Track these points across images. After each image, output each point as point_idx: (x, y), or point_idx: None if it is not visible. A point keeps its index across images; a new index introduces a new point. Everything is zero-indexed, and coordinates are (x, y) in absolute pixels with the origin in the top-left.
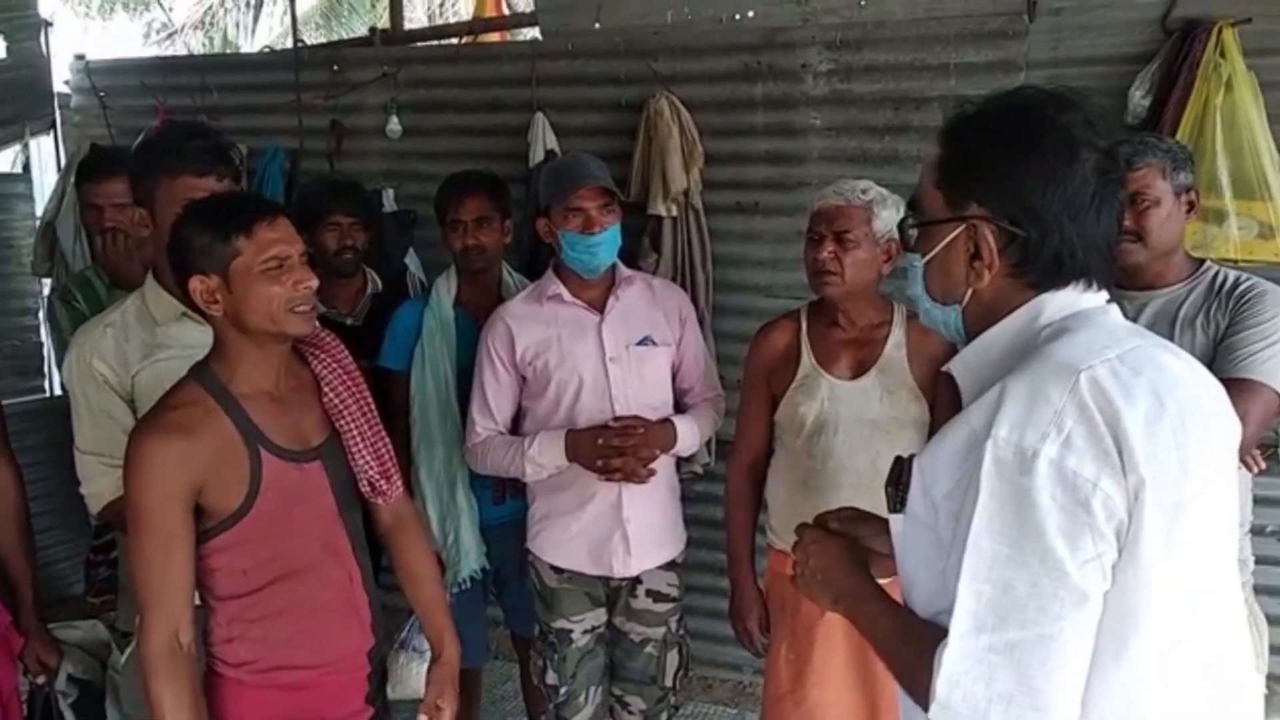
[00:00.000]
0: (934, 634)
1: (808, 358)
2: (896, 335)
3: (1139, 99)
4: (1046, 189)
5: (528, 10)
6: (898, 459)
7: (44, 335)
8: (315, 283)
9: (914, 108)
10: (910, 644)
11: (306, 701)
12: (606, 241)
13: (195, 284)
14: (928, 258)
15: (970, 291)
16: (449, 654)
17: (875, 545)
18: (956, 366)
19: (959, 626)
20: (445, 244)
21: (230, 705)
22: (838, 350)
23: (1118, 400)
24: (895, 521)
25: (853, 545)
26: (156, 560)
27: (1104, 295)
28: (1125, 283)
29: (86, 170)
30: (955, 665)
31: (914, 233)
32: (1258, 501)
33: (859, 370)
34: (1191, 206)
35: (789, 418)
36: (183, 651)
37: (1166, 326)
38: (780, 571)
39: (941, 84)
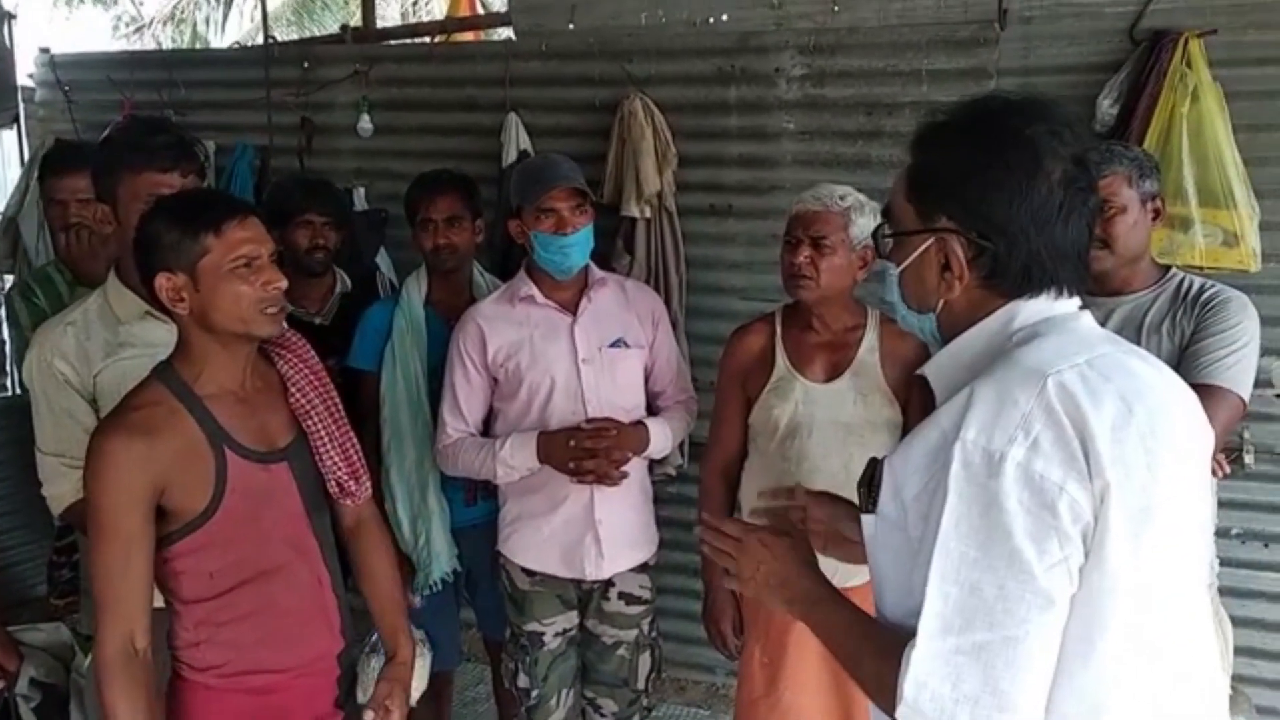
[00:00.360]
0: (894, 637)
1: (782, 360)
2: (870, 339)
3: (1107, 107)
4: (1012, 202)
5: (502, 10)
6: (871, 460)
7: (3, 333)
8: (284, 284)
9: (886, 113)
10: (870, 646)
11: (275, 704)
12: (579, 242)
13: (162, 281)
14: (902, 267)
15: (943, 301)
16: (403, 654)
17: (848, 531)
18: (930, 370)
19: (927, 628)
20: (416, 243)
21: (198, 709)
22: (812, 353)
23: (1085, 404)
24: (867, 522)
25: (801, 544)
26: (115, 564)
27: (1076, 302)
28: (1092, 289)
29: (50, 164)
30: (922, 666)
31: (889, 241)
32: (1222, 505)
33: (833, 373)
34: (1157, 214)
35: (763, 420)
36: (138, 657)
37: (1133, 332)
38: None
39: (914, 90)
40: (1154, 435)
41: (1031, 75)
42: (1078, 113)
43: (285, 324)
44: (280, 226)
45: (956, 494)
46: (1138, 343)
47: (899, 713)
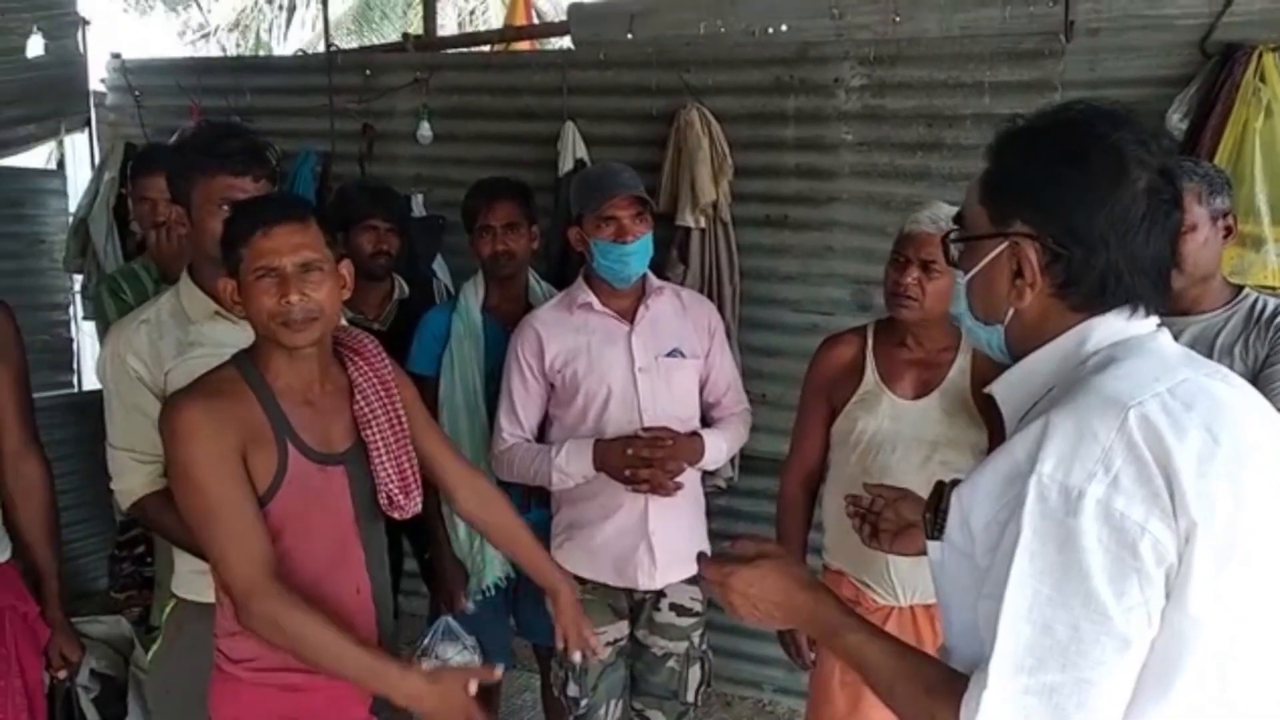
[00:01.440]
0: (942, 672)
1: (871, 374)
2: (962, 361)
3: (1176, 122)
4: (1092, 208)
5: (560, 20)
6: (938, 484)
7: (74, 330)
8: (297, 299)
9: (946, 125)
10: (916, 684)
11: (305, 704)
12: (639, 250)
13: (223, 283)
14: (970, 274)
15: (1012, 311)
16: (565, 593)
17: (917, 521)
18: (999, 389)
19: (998, 667)
20: (473, 249)
21: (228, 702)
22: (902, 369)
23: (1169, 439)
24: (933, 549)
25: (783, 565)
26: (225, 510)
27: (1153, 321)
28: (1161, 308)
29: (141, 164)
30: (993, 707)
31: (957, 249)
32: None
33: (922, 391)
34: (1229, 232)
35: (845, 432)
36: (290, 592)
37: (1204, 354)
38: (835, 592)
39: (975, 102)
40: (1241, 466)
41: (1098, 88)
42: (1159, 127)
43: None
44: (345, 230)
45: (1031, 530)
46: None
47: None
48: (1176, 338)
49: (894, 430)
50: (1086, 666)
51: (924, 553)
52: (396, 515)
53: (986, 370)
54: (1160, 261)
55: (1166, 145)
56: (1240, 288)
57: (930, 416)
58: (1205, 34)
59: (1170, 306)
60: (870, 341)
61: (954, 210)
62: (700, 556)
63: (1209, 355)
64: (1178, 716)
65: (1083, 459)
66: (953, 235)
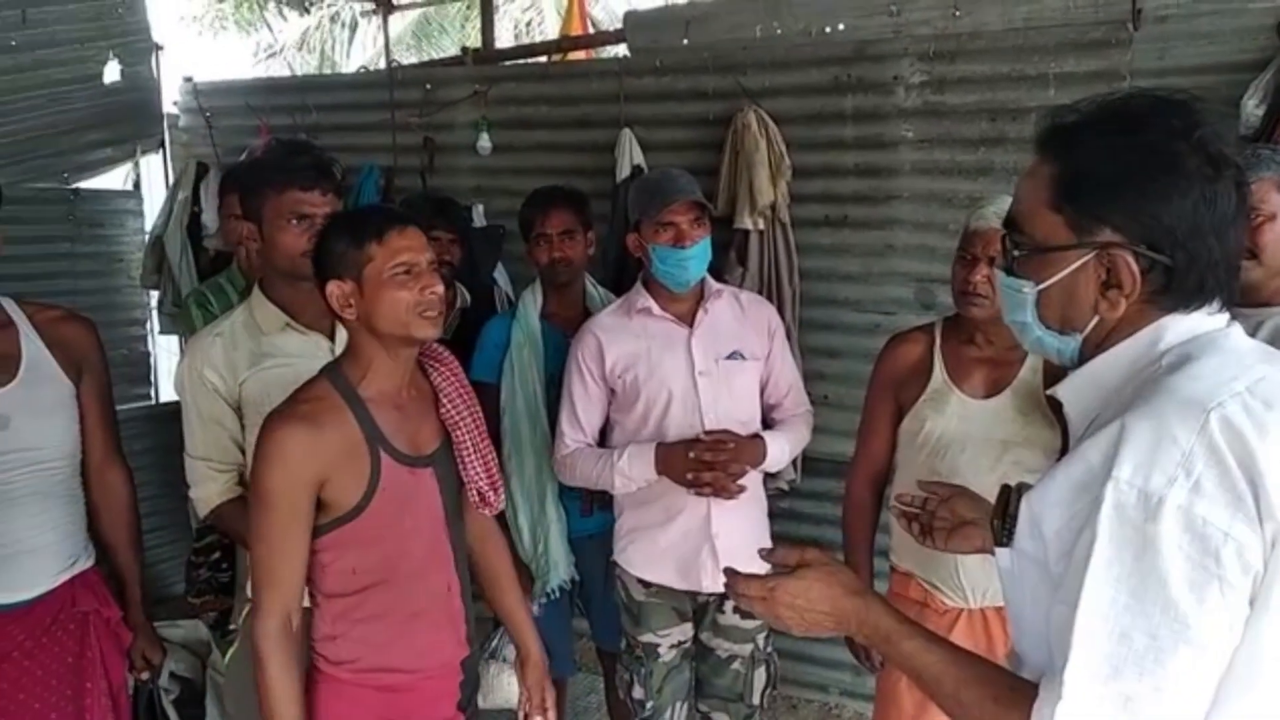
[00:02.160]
0: (1009, 681)
1: (940, 372)
2: (1034, 359)
3: (1252, 108)
4: (1196, 211)
5: (615, 28)
6: (1004, 488)
7: (150, 345)
8: (440, 288)
9: (1010, 119)
10: (982, 691)
11: (401, 704)
12: (697, 255)
13: (333, 288)
14: (1046, 284)
15: (1097, 319)
16: (535, 654)
17: (975, 519)
18: (1065, 392)
19: (1074, 677)
20: (531, 258)
21: (329, 702)
22: (971, 368)
23: (1252, 441)
24: (1002, 555)
25: (828, 574)
26: (278, 544)
27: (1224, 316)
28: (1240, 300)
29: (227, 182)
30: (1068, 716)
31: (1017, 255)
32: None
33: (992, 390)
34: None
35: (913, 431)
36: (293, 634)
37: None
38: (902, 595)
39: (1040, 94)
40: None
41: (1168, 76)
42: (1227, 113)
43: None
44: None
45: (1107, 536)
46: None
47: None
48: (1256, 330)
49: (963, 430)
50: (1164, 676)
51: (982, 550)
52: (487, 512)
53: (1060, 368)
54: (1240, 253)
55: (1232, 130)
56: None
57: (1002, 416)
58: None
59: (1248, 299)
60: (938, 340)
61: None
62: (730, 573)
63: None
64: (1257, 713)
65: (1162, 464)
66: (1022, 248)
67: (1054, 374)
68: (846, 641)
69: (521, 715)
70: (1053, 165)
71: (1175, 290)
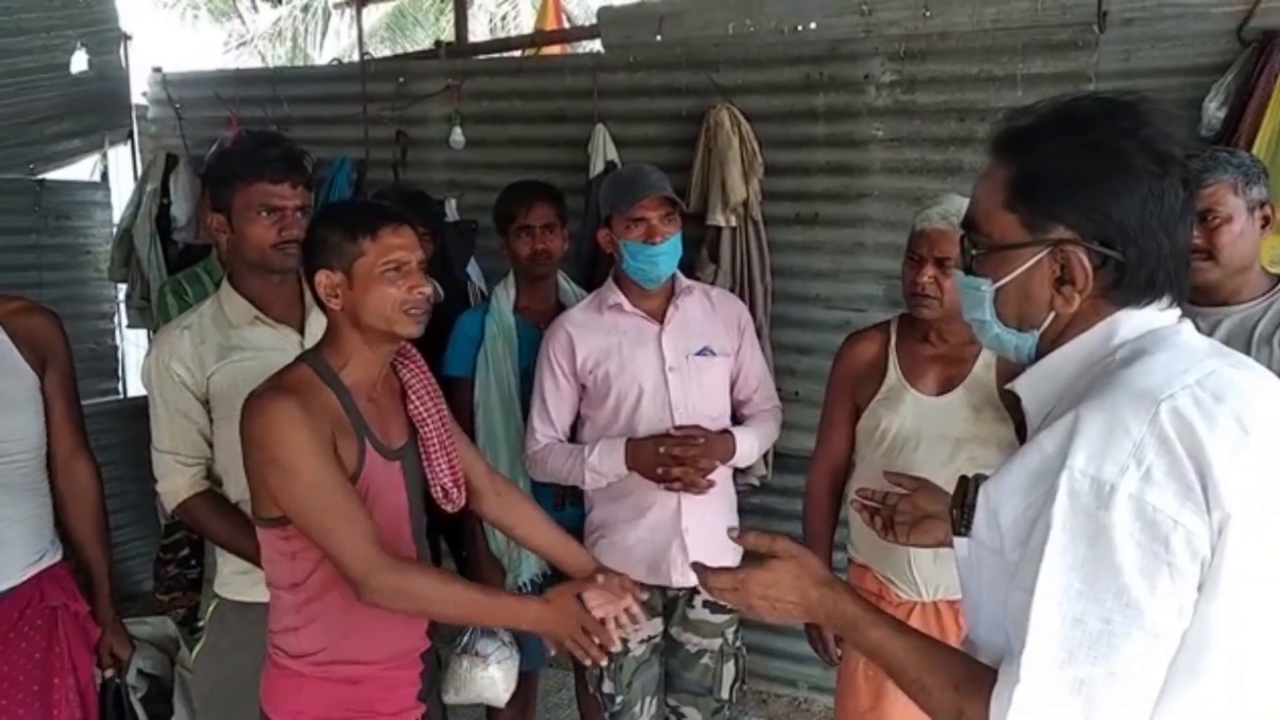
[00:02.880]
0: (970, 668)
1: (894, 371)
2: (986, 355)
3: (1214, 110)
4: (1145, 207)
5: (590, 23)
6: (962, 479)
7: (118, 338)
8: (428, 289)
9: (979, 119)
10: (943, 677)
11: (361, 695)
12: (668, 251)
13: (321, 277)
14: (1002, 282)
15: (1053, 315)
16: (586, 560)
17: (936, 512)
18: (1022, 386)
19: (1030, 661)
20: (509, 251)
21: (289, 695)
22: (925, 366)
23: (1200, 431)
24: (960, 545)
25: (799, 563)
26: (328, 489)
27: (1177, 312)
28: (1199, 300)
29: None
30: (1027, 701)
31: (975, 255)
32: None
33: (946, 386)
34: (1266, 221)
35: (870, 429)
36: (395, 558)
37: (1242, 344)
38: (860, 586)
39: (1008, 95)
40: (1268, 456)
41: (1133, 78)
42: (1182, 116)
43: None
44: None
45: (1061, 524)
46: (1247, 354)
47: None
48: (1214, 328)
49: (918, 427)
50: (1118, 660)
51: (943, 544)
52: (449, 508)
53: (1011, 364)
54: (1188, 250)
55: (1182, 129)
56: (1279, 278)
57: (955, 413)
58: (1242, 21)
59: (1207, 298)
60: (893, 338)
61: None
62: (698, 568)
63: (1247, 345)
64: (1201, 704)
65: (1114, 453)
66: (979, 247)
67: (1007, 371)
68: (807, 633)
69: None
70: (1007, 167)
71: (1127, 285)
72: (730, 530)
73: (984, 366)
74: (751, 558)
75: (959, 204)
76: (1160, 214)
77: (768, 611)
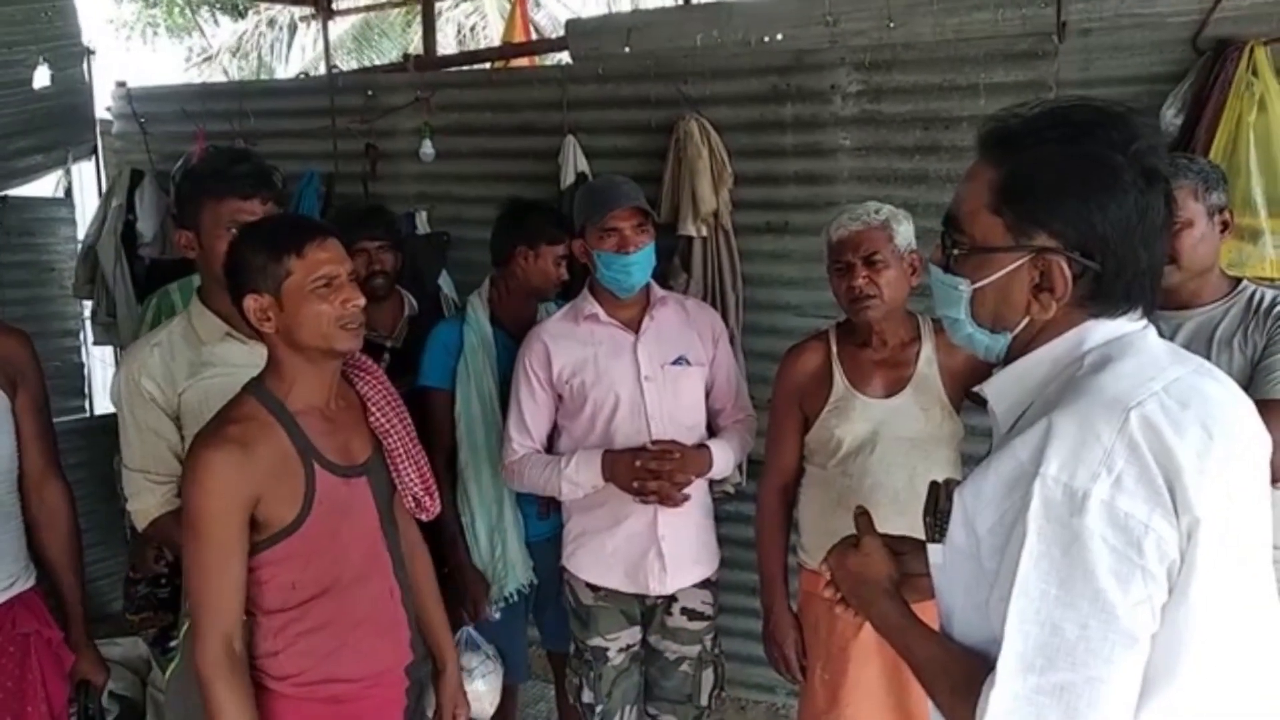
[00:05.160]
0: (968, 672)
1: (840, 380)
2: (927, 351)
3: (1171, 118)
4: (1129, 221)
5: (558, 35)
6: (933, 485)
7: (84, 356)
8: (362, 301)
9: (943, 128)
10: (946, 681)
11: (348, 714)
12: (641, 261)
13: (250, 302)
14: (981, 284)
15: (1028, 320)
16: (451, 668)
17: (911, 565)
18: (990, 390)
19: (1006, 667)
20: (536, 269)
21: (277, 717)
22: (870, 370)
23: (1169, 438)
24: (934, 551)
25: (877, 563)
26: (214, 569)
27: (1143, 320)
28: (1161, 303)
29: None
30: (1002, 706)
31: (956, 254)
32: None
33: (893, 389)
34: (1226, 226)
35: (823, 440)
36: (237, 657)
37: (1203, 346)
38: (812, 592)
39: (971, 104)
40: (1231, 461)
41: (1092, 87)
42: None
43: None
44: None
45: (1036, 531)
46: (1208, 357)
47: None
48: (1176, 331)
49: (870, 432)
50: (1096, 664)
51: (926, 599)
52: (423, 517)
53: (951, 356)
54: (1164, 261)
55: (1162, 144)
56: (1238, 280)
57: (905, 414)
58: (1197, 31)
59: (1169, 301)
60: (834, 347)
61: (870, 204)
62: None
63: (1207, 347)
64: (1180, 703)
65: (1086, 460)
66: (960, 246)
67: (952, 368)
68: (765, 648)
69: None
70: (995, 169)
71: (1103, 296)
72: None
73: (926, 363)
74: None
75: (862, 207)
76: (1143, 229)
77: (850, 584)
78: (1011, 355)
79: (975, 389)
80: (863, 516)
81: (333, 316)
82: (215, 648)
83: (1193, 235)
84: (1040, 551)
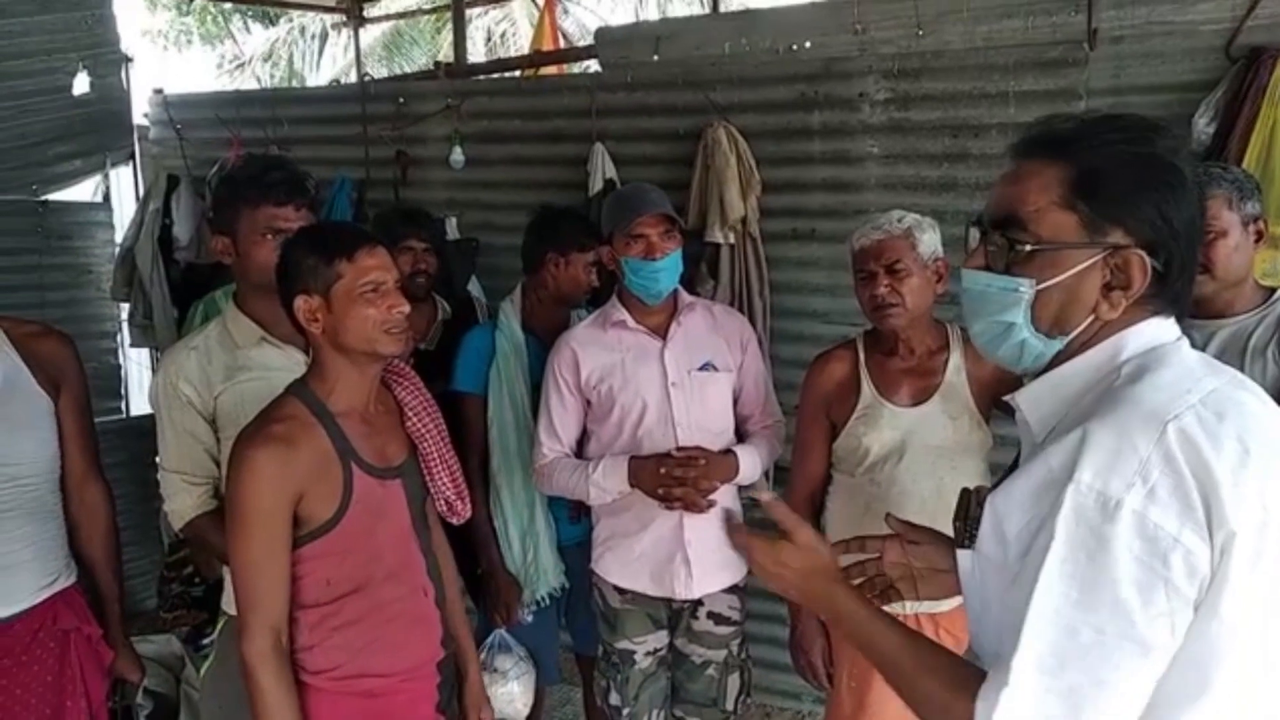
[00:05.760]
0: (963, 669)
1: (868, 388)
2: (955, 359)
3: (1203, 126)
4: (1192, 219)
5: (586, 44)
6: (964, 491)
7: (121, 358)
8: (407, 308)
9: (972, 135)
10: (937, 679)
11: (381, 708)
12: (668, 267)
13: (299, 302)
14: (1046, 284)
15: (1091, 319)
16: (474, 676)
17: (932, 558)
18: (1024, 400)
19: (1021, 666)
20: (567, 275)
21: (311, 712)
22: (898, 379)
23: (1207, 452)
24: (964, 557)
25: (814, 557)
26: (260, 564)
27: (1178, 329)
28: (1194, 312)
29: None
30: (1013, 703)
31: (1019, 253)
32: None
33: (921, 397)
34: (1260, 236)
35: (850, 449)
36: (283, 650)
37: (1236, 356)
38: None
39: (1000, 112)
40: (1268, 475)
41: (1123, 95)
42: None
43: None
44: None
45: (1064, 536)
46: (1240, 367)
47: None
48: (1209, 341)
49: (898, 441)
50: (1107, 670)
51: (953, 594)
52: (455, 520)
53: (980, 364)
54: (1196, 267)
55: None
56: (1272, 290)
57: (933, 422)
58: (1230, 38)
59: (1203, 311)
60: (861, 355)
61: (894, 213)
62: (729, 516)
63: (1240, 358)
64: (1217, 710)
65: (1121, 470)
66: (1021, 245)
67: (980, 377)
68: (794, 662)
69: None
70: (1061, 167)
71: (1164, 295)
72: (759, 494)
73: (955, 372)
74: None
75: (886, 215)
76: (1195, 229)
77: (768, 579)
78: (1049, 364)
79: (1006, 398)
80: (777, 505)
81: (378, 320)
82: (261, 641)
83: (1227, 245)
84: (1066, 555)
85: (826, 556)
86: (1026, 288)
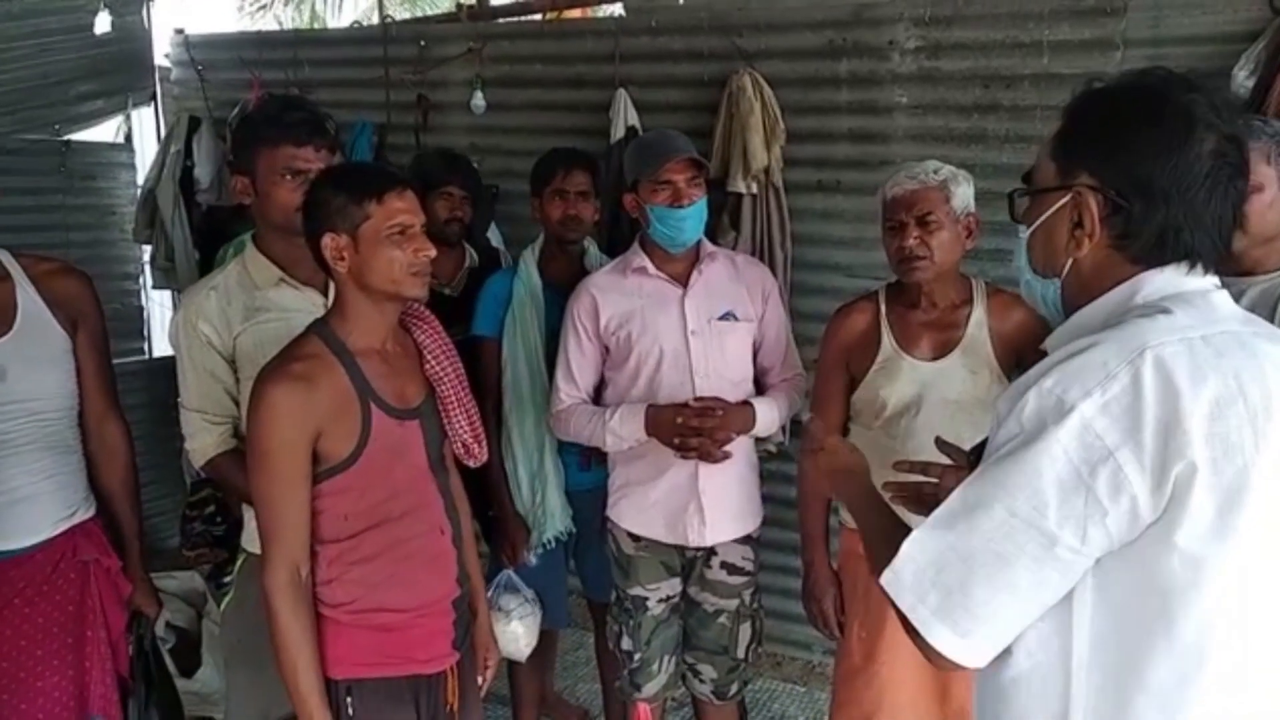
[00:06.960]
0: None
1: (888, 340)
2: (978, 314)
3: (1243, 79)
4: (1156, 162)
5: None
6: (984, 442)
7: (143, 299)
8: (433, 252)
9: (1004, 86)
10: (883, 539)
11: (398, 642)
12: (694, 215)
13: (327, 240)
14: (1032, 227)
15: (1070, 262)
16: (482, 616)
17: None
18: (1052, 345)
19: (935, 518)
20: (541, 213)
21: (329, 643)
22: (918, 332)
23: (1180, 381)
24: None
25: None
26: (281, 499)
27: (1212, 280)
28: (1222, 268)
29: None
30: (917, 546)
31: (1023, 203)
32: None
33: (941, 351)
34: None
35: (869, 400)
36: (303, 583)
37: (1266, 313)
38: (853, 550)
39: (1034, 62)
40: (1268, 417)
41: (1161, 46)
42: (1230, 93)
43: None
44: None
45: (1014, 425)
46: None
47: (883, 578)
48: (1238, 298)
49: (917, 394)
50: (1009, 547)
51: None
52: (471, 463)
53: (1003, 321)
54: (1223, 222)
55: (1236, 113)
56: None
57: (952, 376)
58: None
59: (1233, 267)
60: (883, 308)
61: (931, 164)
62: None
63: (1270, 316)
64: (1190, 657)
65: (1084, 380)
66: (1018, 191)
67: (1002, 332)
68: (805, 604)
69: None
70: (1063, 123)
71: (1135, 238)
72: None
73: (977, 326)
74: None
75: (922, 165)
76: (1175, 173)
77: (836, 471)
78: (1070, 309)
79: (1041, 346)
80: (814, 421)
81: (404, 263)
82: (282, 574)
83: (1262, 200)
84: (1005, 438)
85: (854, 453)
86: (1023, 232)
